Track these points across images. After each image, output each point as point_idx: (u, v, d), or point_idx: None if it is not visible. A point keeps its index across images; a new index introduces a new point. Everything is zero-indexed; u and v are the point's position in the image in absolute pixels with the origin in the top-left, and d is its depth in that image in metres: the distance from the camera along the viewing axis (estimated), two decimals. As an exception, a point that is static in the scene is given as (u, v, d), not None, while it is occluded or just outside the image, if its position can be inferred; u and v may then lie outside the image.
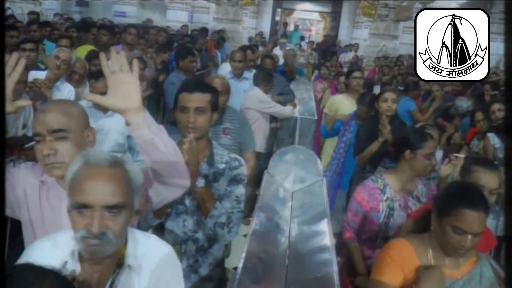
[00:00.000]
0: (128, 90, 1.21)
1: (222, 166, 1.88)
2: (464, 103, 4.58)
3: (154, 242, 1.25)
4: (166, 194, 1.42)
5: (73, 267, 1.10)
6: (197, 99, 1.79)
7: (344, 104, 4.21)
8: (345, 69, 7.64)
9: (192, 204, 1.83)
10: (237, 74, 4.27)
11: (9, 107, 1.28)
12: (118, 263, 1.15)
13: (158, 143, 1.26)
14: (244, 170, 1.91)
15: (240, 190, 1.88)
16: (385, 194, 2.22)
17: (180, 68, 4.30)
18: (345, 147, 3.78)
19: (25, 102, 1.36)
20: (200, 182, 1.75)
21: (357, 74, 4.35)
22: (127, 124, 1.25)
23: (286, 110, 4.23)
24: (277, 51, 8.51)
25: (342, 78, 4.93)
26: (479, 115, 3.90)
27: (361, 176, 3.11)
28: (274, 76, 4.43)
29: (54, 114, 1.31)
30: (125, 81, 1.22)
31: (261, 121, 3.97)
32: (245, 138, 2.81)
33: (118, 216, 1.08)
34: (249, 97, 3.97)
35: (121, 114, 1.24)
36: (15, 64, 1.27)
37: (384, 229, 2.21)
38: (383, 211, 2.20)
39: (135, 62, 1.26)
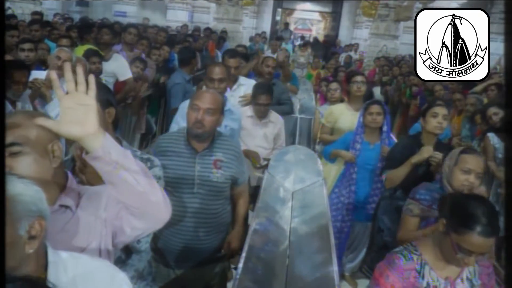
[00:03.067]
0: (85, 114, 1.05)
1: None
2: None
3: (85, 262, 1.05)
4: (143, 229, 1.23)
5: None
6: None
7: (343, 115, 3.55)
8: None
9: None
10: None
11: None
12: None
13: (122, 172, 1.09)
14: (158, 171, 1.72)
15: None
16: (424, 277, 1.58)
17: (185, 68, 4.28)
18: (354, 170, 3.06)
19: None
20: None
21: (358, 78, 3.61)
22: (85, 152, 1.08)
23: None
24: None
25: (333, 85, 4.34)
26: (478, 118, 3.96)
27: (390, 203, 2.68)
28: (275, 83, 4.03)
29: (9, 127, 1.08)
30: (81, 103, 1.05)
31: None
32: (239, 172, 2.23)
33: None
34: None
35: (78, 141, 1.08)
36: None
37: None
38: None
39: (92, 79, 1.09)
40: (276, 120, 3.32)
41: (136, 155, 1.69)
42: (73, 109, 1.05)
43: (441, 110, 2.67)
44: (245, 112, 3.23)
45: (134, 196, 1.13)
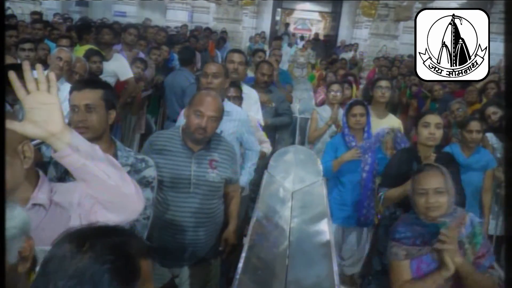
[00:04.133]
0: (48, 113, 1.05)
1: (126, 169, 1.69)
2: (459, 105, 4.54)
3: None
4: (118, 221, 1.21)
5: None
6: (86, 96, 1.64)
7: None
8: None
9: None
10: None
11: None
12: None
13: (92, 168, 1.10)
14: (152, 172, 1.75)
15: (147, 194, 1.70)
16: None
17: (187, 68, 4.37)
18: (370, 172, 2.93)
19: None
20: None
21: (383, 83, 3.41)
22: (53, 151, 1.09)
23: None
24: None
25: (335, 86, 3.98)
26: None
27: (390, 224, 2.35)
28: (272, 90, 3.83)
29: None
30: (43, 102, 1.05)
31: None
32: (233, 172, 2.26)
33: None
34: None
35: (44, 141, 1.08)
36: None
37: None
38: None
39: (52, 77, 1.08)
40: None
41: (131, 155, 1.73)
42: (36, 109, 1.04)
43: (433, 119, 2.46)
44: None
45: (106, 190, 1.14)
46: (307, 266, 2.16)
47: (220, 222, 2.27)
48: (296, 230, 2.47)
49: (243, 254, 1.90)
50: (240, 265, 1.81)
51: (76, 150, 1.07)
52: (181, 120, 2.62)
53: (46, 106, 1.05)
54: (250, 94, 3.25)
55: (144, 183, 1.70)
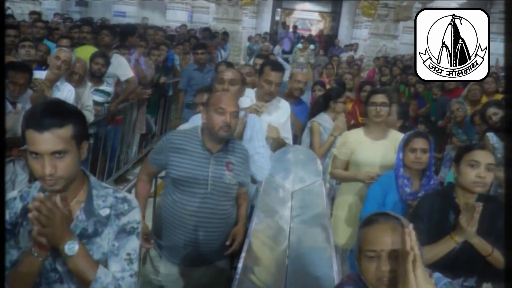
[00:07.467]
0: None
1: (105, 212, 1.35)
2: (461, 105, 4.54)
3: None
4: None
5: None
6: (51, 140, 1.21)
7: (362, 145, 2.78)
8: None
9: (66, 271, 1.29)
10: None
11: None
12: None
13: None
14: (137, 215, 1.39)
15: (132, 244, 1.35)
16: None
17: (195, 60, 5.22)
18: None
19: None
20: (72, 248, 1.21)
21: (378, 98, 2.67)
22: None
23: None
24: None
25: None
26: (477, 119, 3.99)
27: None
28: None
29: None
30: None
31: None
32: (246, 175, 2.26)
33: None
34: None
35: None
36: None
37: None
38: None
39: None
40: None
41: (109, 193, 1.38)
42: None
43: (484, 158, 1.83)
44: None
45: None
46: (307, 266, 2.16)
47: (233, 223, 2.29)
48: (296, 230, 2.47)
49: (243, 254, 1.90)
50: (240, 265, 1.81)
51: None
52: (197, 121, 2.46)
53: None
54: (279, 105, 2.99)
55: (128, 230, 1.35)
